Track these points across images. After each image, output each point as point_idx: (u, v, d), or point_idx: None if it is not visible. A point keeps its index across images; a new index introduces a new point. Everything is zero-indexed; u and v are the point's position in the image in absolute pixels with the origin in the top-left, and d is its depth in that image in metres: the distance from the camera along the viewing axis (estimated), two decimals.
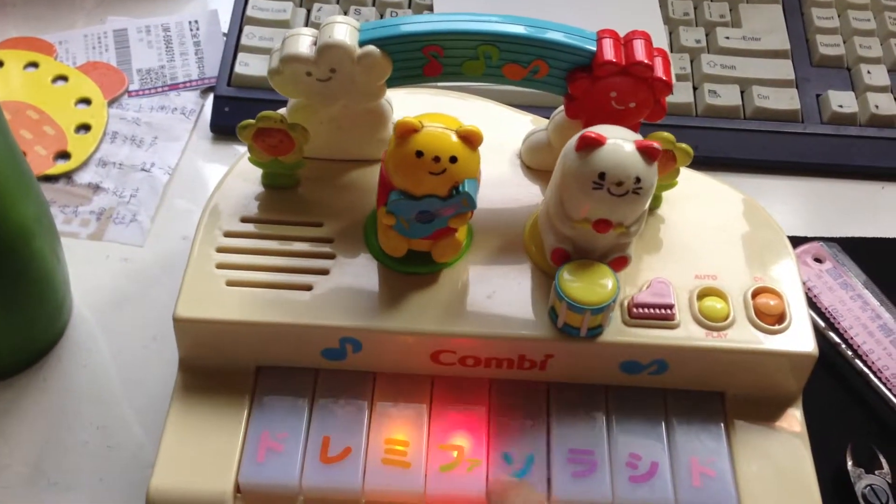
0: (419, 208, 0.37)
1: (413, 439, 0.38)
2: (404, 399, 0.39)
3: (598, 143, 0.36)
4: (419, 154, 0.36)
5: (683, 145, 0.41)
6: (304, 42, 0.39)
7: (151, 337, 0.46)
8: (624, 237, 0.38)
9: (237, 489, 0.37)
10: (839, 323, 0.48)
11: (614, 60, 0.38)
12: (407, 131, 0.36)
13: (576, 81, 0.39)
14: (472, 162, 0.37)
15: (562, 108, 0.42)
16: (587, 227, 0.37)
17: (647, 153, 0.36)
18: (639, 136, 0.37)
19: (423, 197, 0.37)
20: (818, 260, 0.50)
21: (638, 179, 0.36)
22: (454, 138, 0.36)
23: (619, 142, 0.36)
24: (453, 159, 0.36)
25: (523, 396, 0.40)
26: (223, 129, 0.54)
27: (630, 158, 0.36)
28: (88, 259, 0.48)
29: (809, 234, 0.52)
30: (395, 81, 0.40)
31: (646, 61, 0.38)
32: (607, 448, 0.39)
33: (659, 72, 0.39)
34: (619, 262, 0.39)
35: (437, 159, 0.36)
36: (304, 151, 0.41)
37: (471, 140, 0.37)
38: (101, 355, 0.45)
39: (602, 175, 0.36)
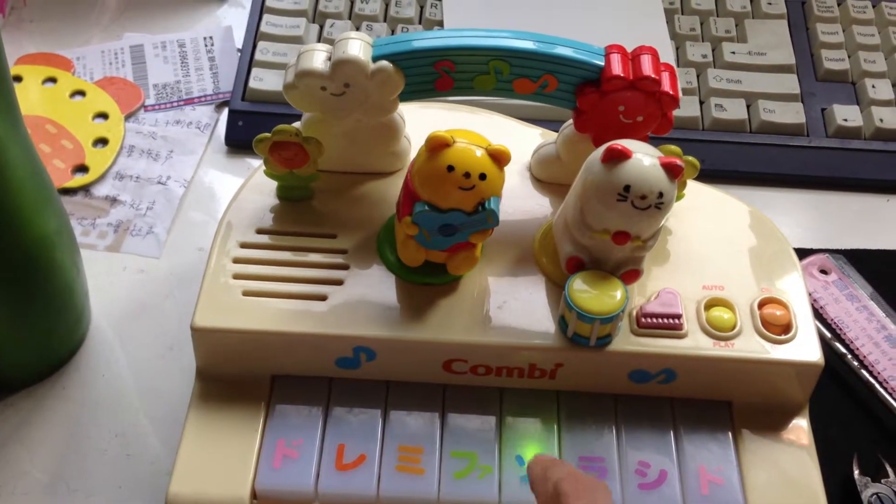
0: (443, 221, 0.38)
1: (426, 446, 0.39)
2: (417, 407, 0.40)
3: (624, 155, 0.36)
4: (450, 169, 0.37)
5: (690, 158, 0.42)
6: (318, 57, 0.40)
7: (168, 347, 0.46)
8: (639, 251, 0.39)
9: (254, 495, 0.38)
10: (845, 334, 0.48)
11: (622, 75, 0.39)
12: (439, 145, 0.37)
13: (584, 96, 0.40)
14: (499, 180, 0.38)
15: (570, 121, 0.42)
16: (606, 237, 0.38)
17: (670, 170, 0.37)
18: (659, 153, 0.38)
19: (449, 210, 0.38)
20: (824, 272, 0.51)
21: (661, 194, 0.36)
22: (484, 156, 0.37)
23: (644, 156, 0.37)
24: (483, 176, 0.37)
25: (534, 405, 0.41)
26: (237, 142, 0.55)
27: (654, 173, 0.36)
28: (106, 271, 0.49)
29: (815, 246, 0.52)
30: (407, 96, 0.41)
31: (653, 76, 0.39)
32: (617, 455, 0.39)
33: (666, 86, 0.40)
34: (631, 274, 0.39)
35: (467, 175, 0.37)
36: (319, 164, 0.42)
37: (499, 159, 0.37)
38: (118, 365, 0.46)
39: (627, 188, 0.36)
